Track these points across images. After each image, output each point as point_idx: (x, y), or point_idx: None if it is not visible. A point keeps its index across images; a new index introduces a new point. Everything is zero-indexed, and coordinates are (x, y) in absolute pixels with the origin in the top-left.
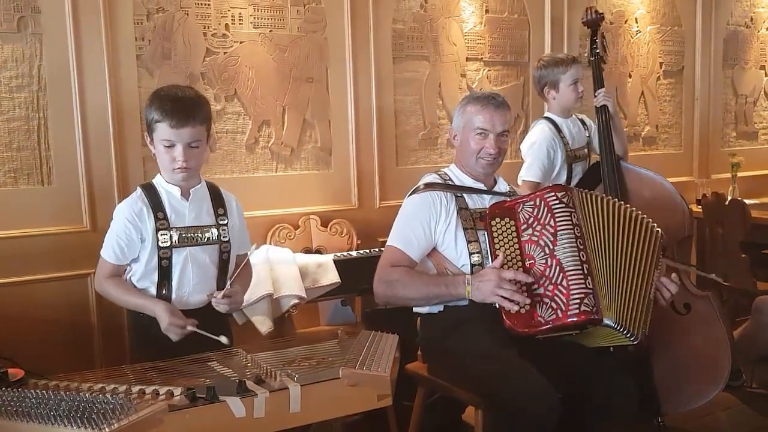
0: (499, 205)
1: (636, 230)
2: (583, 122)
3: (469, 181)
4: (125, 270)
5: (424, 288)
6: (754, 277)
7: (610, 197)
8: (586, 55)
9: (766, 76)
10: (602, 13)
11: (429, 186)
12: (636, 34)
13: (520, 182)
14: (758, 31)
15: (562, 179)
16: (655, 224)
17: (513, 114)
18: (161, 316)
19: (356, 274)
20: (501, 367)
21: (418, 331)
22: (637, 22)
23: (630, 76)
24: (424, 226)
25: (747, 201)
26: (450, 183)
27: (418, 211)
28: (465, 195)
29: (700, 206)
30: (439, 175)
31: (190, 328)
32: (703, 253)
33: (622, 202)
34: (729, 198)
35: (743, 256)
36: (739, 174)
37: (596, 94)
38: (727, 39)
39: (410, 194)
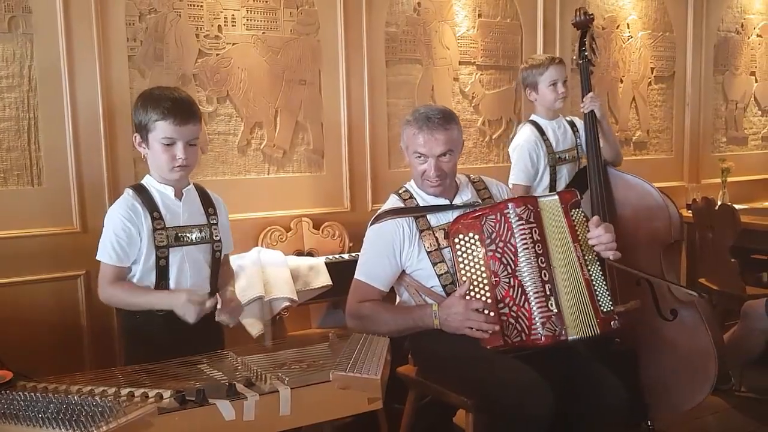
0: (463, 218)
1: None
2: (572, 124)
3: (430, 198)
4: (127, 274)
5: (394, 324)
6: (743, 282)
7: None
8: (574, 58)
9: (756, 82)
10: (592, 15)
11: (391, 213)
12: (628, 39)
13: (510, 186)
14: (749, 38)
15: (546, 182)
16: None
17: (508, 118)
18: (177, 296)
19: (348, 276)
20: (492, 367)
21: (408, 334)
22: (628, 27)
23: (621, 81)
24: (389, 257)
25: (737, 206)
26: (412, 203)
27: (380, 243)
28: (428, 214)
29: (690, 211)
30: (400, 195)
31: (209, 304)
32: (693, 258)
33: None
34: (719, 203)
35: (733, 260)
36: (729, 179)
37: (583, 99)
38: (717, 45)
39: (372, 222)
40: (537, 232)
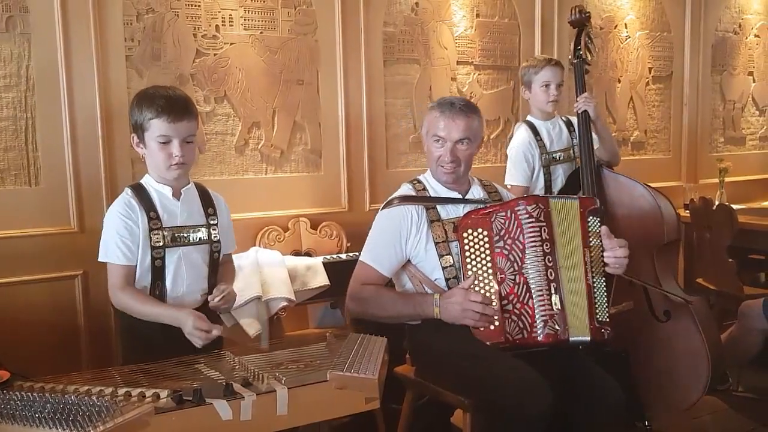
0: (473, 214)
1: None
2: (569, 124)
3: (442, 190)
4: (135, 273)
5: (394, 308)
6: (741, 282)
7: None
8: (569, 57)
9: (753, 82)
10: (588, 12)
11: (402, 200)
12: (625, 39)
13: (508, 187)
14: (746, 38)
15: (541, 182)
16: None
17: (506, 118)
18: (185, 320)
19: (346, 276)
20: (491, 365)
21: (407, 333)
22: (626, 27)
23: (619, 81)
24: (395, 244)
25: (734, 206)
26: (424, 193)
27: (388, 228)
28: (438, 206)
29: (687, 211)
30: (413, 185)
31: (215, 332)
32: (690, 258)
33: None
34: (716, 203)
35: (730, 260)
36: (727, 179)
37: (577, 99)
38: (715, 45)
39: (383, 207)
40: (546, 231)
